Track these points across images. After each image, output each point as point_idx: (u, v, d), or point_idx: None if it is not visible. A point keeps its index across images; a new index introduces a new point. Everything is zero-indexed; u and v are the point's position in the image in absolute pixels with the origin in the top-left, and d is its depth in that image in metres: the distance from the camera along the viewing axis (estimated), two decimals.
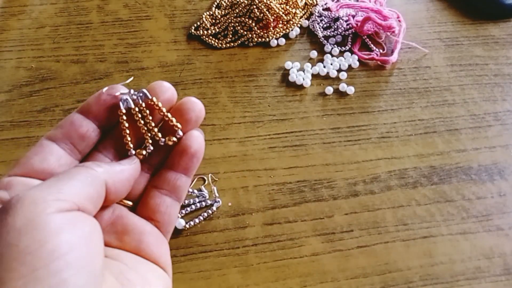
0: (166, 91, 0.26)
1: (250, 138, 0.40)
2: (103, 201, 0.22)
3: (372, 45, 0.47)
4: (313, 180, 0.38)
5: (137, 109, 0.25)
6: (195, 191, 0.36)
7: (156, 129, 0.26)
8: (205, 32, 0.47)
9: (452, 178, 0.38)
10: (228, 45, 0.47)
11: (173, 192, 0.26)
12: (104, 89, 0.25)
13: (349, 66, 0.45)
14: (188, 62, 0.46)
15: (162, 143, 0.26)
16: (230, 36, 0.47)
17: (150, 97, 0.25)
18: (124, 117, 0.25)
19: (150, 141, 0.26)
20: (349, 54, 0.46)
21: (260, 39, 0.47)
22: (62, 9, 0.50)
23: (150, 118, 0.25)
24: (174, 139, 0.26)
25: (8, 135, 0.40)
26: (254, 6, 0.46)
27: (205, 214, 0.35)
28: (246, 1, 0.47)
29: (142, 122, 0.25)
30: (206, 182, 0.38)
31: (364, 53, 0.46)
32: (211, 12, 0.49)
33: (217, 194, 0.37)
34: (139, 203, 0.26)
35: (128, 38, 0.47)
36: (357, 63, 0.45)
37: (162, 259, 0.25)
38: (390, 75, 0.45)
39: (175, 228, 0.35)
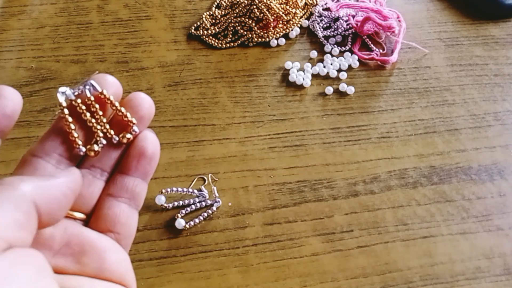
0: (110, 85, 0.22)
1: (250, 138, 0.40)
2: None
3: (372, 45, 0.47)
4: (313, 180, 0.38)
5: (79, 100, 0.22)
6: (195, 191, 0.36)
7: (107, 126, 0.22)
8: (205, 32, 0.47)
9: (452, 178, 0.38)
10: (228, 45, 0.47)
11: (132, 199, 0.23)
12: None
13: (349, 66, 0.45)
14: (188, 62, 0.46)
15: (115, 141, 0.22)
16: (230, 36, 0.47)
17: (99, 89, 0.22)
18: (66, 111, 0.21)
19: (101, 134, 0.22)
20: (349, 54, 0.46)
21: (260, 39, 0.47)
22: (62, 9, 0.50)
23: (101, 113, 0.22)
24: (129, 136, 0.22)
25: (8, 135, 0.40)
26: (254, 6, 0.46)
27: (205, 214, 0.35)
28: (246, 1, 0.47)
29: (89, 115, 0.22)
30: (206, 182, 0.38)
31: (364, 53, 0.46)
32: (211, 12, 0.49)
33: (217, 194, 0.37)
34: (94, 215, 0.22)
35: (128, 38, 0.47)
36: (357, 63, 0.45)
37: (127, 278, 0.22)
38: (390, 75, 0.45)
39: (175, 228, 0.35)
